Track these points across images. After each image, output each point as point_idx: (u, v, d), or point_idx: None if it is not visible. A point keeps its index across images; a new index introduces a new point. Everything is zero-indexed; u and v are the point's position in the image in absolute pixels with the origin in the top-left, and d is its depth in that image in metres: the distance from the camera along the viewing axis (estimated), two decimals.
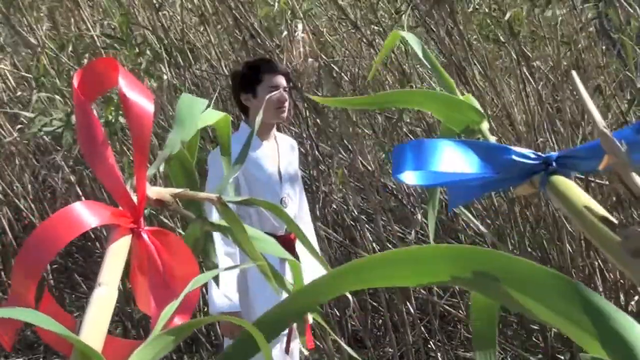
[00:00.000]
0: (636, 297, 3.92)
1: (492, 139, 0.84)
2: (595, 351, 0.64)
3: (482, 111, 0.84)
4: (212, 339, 4.79)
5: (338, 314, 4.62)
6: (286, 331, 3.25)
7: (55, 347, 0.86)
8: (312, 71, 4.14)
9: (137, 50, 3.97)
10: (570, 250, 3.91)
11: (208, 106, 1.03)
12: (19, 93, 4.61)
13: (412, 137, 4.59)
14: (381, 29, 4.30)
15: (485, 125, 0.84)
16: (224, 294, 3.13)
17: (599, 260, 4.03)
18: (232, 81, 3.35)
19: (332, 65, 4.46)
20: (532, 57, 4.15)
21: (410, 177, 0.84)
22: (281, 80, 3.19)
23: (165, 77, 4.22)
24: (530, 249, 4.17)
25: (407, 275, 0.68)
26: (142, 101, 0.91)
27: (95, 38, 4.17)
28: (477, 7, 4.16)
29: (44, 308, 0.80)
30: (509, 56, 4.09)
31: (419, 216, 4.23)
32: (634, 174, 0.71)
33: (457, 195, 0.89)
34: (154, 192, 0.95)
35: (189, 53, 4.51)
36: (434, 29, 4.15)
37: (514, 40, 3.88)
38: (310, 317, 3.38)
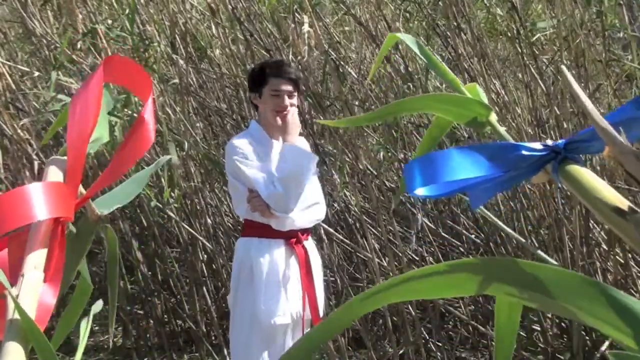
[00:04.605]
0: (637, 297, 3.92)
1: (502, 130, 0.85)
2: (628, 344, 0.67)
3: (488, 103, 0.85)
4: (212, 339, 4.80)
5: None
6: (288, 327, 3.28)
7: None
8: (316, 65, 4.15)
9: (143, 45, 4.00)
10: (570, 246, 3.91)
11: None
12: (36, 74, 4.65)
13: (414, 133, 4.60)
14: (385, 24, 4.33)
15: (493, 117, 0.85)
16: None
17: (599, 261, 4.04)
18: (247, 79, 3.48)
19: (339, 60, 4.48)
20: (540, 52, 4.18)
21: (423, 192, 0.86)
22: (284, 86, 3.27)
23: (175, 80, 4.26)
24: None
25: (437, 288, 0.72)
26: (149, 135, 0.92)
27: (100, 32, 4.20)
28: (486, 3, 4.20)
29: None
30: (514, 50, 4.12)
31: (420, 216, 4.24)
32: (635, 161, 0.72)
33: (476, 196, 0.90)
34: None
35: (194, 52, 4.53)
36: (440, 24, 4.18)
37: (524, 35, 3.91)
38: (321, 310, 3.42)
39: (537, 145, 0.81)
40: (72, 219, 0.87)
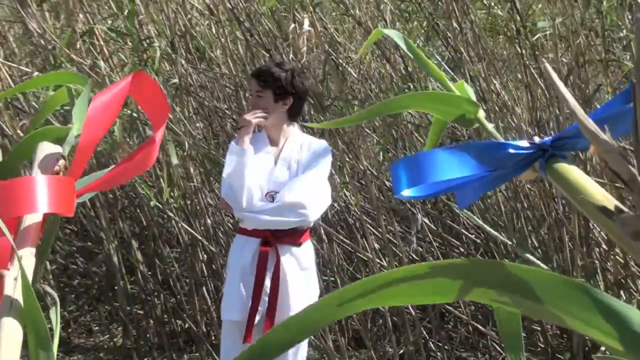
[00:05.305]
0: (637, 296, 3.92)
1: (489, 127, 0.85)
2: (614, 347, 0.66)
3: (476, 100, 0.85)
4: (212, 339, 4.80)
5: None
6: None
7: None
8: (316, 64, 4.14)
9: (143, 45, 4.00)
10: (570, 246, 3.91)
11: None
12: (35, 73, 4.65)
13: (414, 133, 4.59)
14: (385, 24, 4.32)
15: (481, 114, 0.85)
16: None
17: (599, 261, 4.03)
18: None
19: (338, 60, 4.47)
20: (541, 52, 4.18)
21: (409, 193, 0.84)
22: (252, 85, 3.35)
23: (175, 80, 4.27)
24: (531, 248, 4.17)
25: (414, 293, 0.70)
26: (152, 158, 0.95)
27: (98, 32, 4.20)
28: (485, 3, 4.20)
29: None
30: (514, 50, 4.11)
31: (420, 216, 4.24)
32: (620, 159, 0.71)
33: (464, 195, 0.90)
34: None
35: (194, 52, 4.53)
36: (440, 24, 4.17)
37: (524, 35, 3.91)
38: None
39: (524, 143, 0.81)
40: (72, 214, 0.89)
